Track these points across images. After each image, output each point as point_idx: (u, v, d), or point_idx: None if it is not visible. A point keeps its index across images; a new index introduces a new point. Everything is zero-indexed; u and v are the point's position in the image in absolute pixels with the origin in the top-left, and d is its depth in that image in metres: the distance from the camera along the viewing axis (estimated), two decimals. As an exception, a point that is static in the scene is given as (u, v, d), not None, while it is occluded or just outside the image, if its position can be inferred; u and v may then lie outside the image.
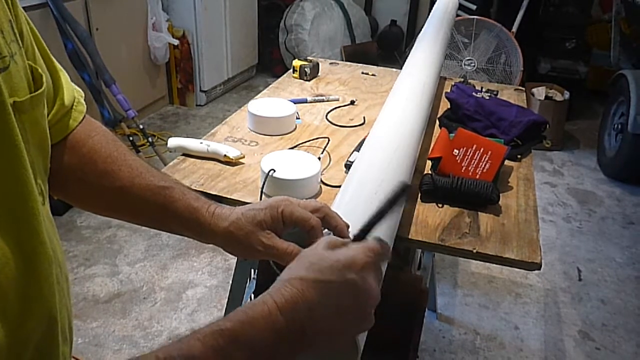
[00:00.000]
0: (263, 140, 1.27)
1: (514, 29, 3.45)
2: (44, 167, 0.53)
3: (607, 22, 3.88)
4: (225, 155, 1.13)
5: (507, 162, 1.16)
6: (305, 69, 1.68)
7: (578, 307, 2.19)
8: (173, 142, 1.19)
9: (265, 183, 1.01)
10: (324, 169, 1.14)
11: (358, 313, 0.52)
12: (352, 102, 1.52)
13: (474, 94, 1.42)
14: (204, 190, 1.03)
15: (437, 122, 1.41)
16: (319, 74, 1.74)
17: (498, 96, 1.55)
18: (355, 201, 0.76)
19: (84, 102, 0.67)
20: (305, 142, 1.27)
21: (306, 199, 0.93)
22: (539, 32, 3.87)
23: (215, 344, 0.45)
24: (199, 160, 1.16)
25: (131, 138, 2.78)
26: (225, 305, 1.44)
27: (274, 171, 1.00)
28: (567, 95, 3.52)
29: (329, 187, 1.07)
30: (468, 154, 1.08)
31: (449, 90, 1.48)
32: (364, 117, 1.42)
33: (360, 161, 0.89)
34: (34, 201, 0.44)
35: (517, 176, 1.17)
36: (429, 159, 1.11)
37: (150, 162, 0.71)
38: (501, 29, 3.17)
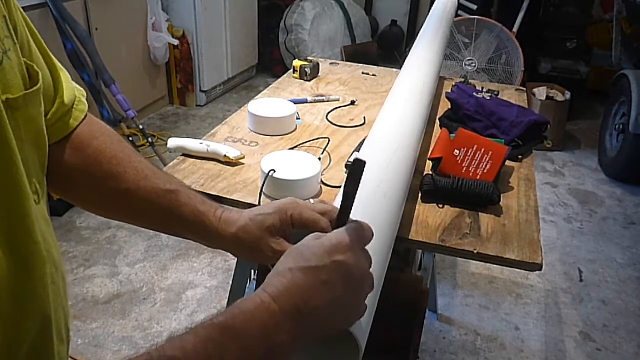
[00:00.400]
0: (263, 140, 1.27)
1: (515, 28, 3.44)
2: (41, 165, 0.52)
3: (608, 22, 3.87)
4: (225, 156, 1.13)
5: (507, 163, 1.16)
6: (305, 69, 1.67)
7: (579, 307, 2.19)
8: (173, 142, 1.19)
9: (265, 183, 1.00)
10: (324, 169, 1.13)
11: (352, 290, 0.52)
12: (353, 102, 1.52)
13: (474, 94, 1.42)
14: (204, 191, 1.03)
15: (438, 122, 1.40)
16: (319, 74, 1.74)
17: (499, 96, 1.55)
18: (354, 201, 0.75)
19: (85, 102, 0.66)
20: (305, 142, 1.26)
21: (306, 199, 0.92)
22: (539, 32, 3.87)
23: (208, 336, 0.45)
24: (199, 161, 1.15)
25: (131, 138, 2.78)
26: (225, 305, 1.44)
27: (274, 171, 1.00)
28: (568, 95, 3.51)
29: (329, 188, 1.07)
30: (468, 154, 1.08)
31: (449, 90, 1.47)
32: (364, 117, 1.42)
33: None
34: (26, 200, 0.44)
35: (518, 176, 1.17)
36: (430, 159, 1.11)
37: (150, 163, 0.70)
38: (502, 29, 3.17)
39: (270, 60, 4.48)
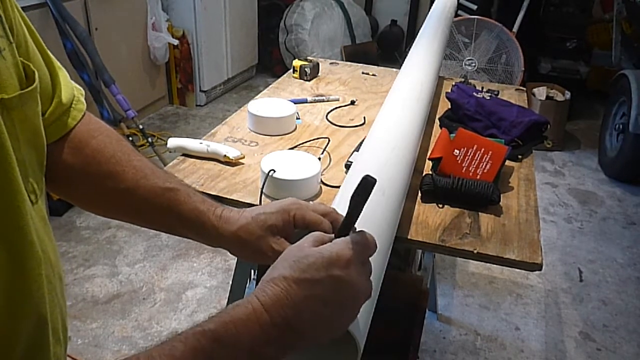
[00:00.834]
0: (263, 140, 1.27)
1: (515, 29, 3.44)
2: (39, 165, 0.52)
3: (608, 22, 3.87)
4: (225, 156, 1.13)
5: (507, 163, 1.15)
6: (306, 69, 1.67)
7: (579, 307, 2.19)
8: (173, 142, 1.19)
9: (265, 183, 1.00)
10: (324, 169, 1.13)
11: (346, 307, 0.51)
12: (353, 102, 1.52)
13: (474, 94, 1.42)
14: (204, 191, 1.03)
15: (438, 122, 1.40)
16: (319, 74, 1.74)
17: (499, 96, 1.55)
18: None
19: (84, 101, 0.65)
20: (305, 142, 1.26)
21: (306, 199, 0.92)
22: (539, 32, 3.87)
23: (198, 344, 0.45)
24: (199, 161, 1.15)
25: (131, 138, 2.78)
26: (225, 306, 1.43)
27: (274, 171, 1.00)
28: (568, 95, 3.51)
29: (329, 188, 1.07)
30: (468, 154, 1.08)
31: (449, 90, 1.47)
32: (364, 117, 1.42)
33: (359, 161, 0.89)
34: (21, 200, 0.44)
35: (518, 176, 1.17)
36: (430, 159, 1.11)
37: (149, 161, 0.70)
38: (502, 29, 3.17)
39: (270, 60, 4.48)
